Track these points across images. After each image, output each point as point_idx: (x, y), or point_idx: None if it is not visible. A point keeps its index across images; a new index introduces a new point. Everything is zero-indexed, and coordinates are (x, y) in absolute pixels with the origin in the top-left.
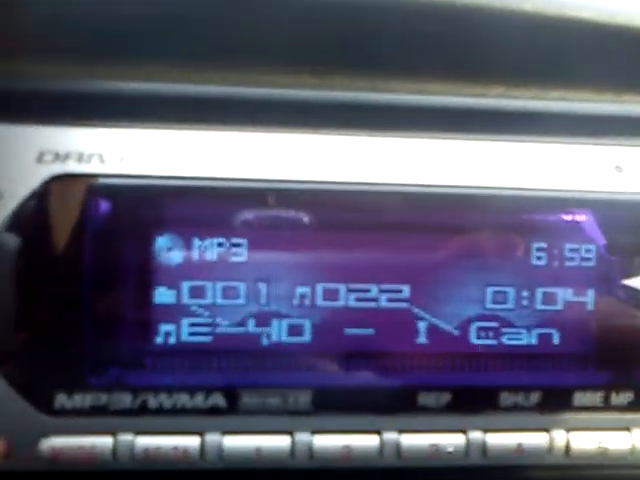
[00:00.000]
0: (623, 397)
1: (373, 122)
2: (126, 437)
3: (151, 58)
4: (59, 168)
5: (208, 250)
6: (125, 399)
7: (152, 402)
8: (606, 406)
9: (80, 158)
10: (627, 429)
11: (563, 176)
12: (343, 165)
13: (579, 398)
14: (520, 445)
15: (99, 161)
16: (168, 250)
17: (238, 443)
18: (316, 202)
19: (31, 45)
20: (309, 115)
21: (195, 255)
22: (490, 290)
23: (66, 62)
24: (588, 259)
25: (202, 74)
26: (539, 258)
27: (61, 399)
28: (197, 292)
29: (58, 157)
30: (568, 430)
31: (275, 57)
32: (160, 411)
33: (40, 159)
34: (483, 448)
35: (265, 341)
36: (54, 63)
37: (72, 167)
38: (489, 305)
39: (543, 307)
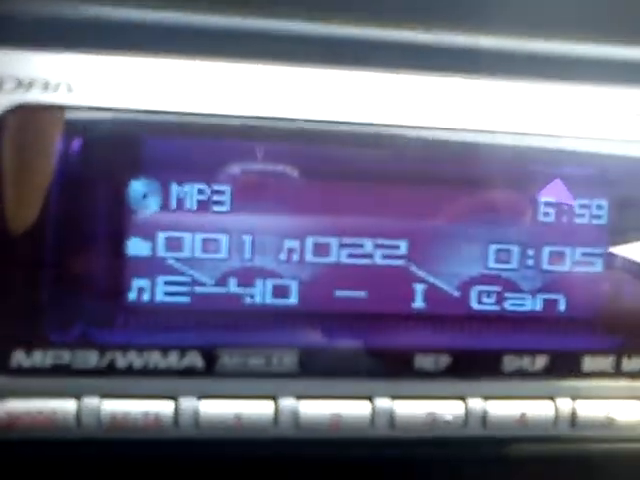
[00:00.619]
0: (635, 363)
1: (366, 57)
2: (91, 400)
3: None
4: (21, 97)
5: (187, 197)
6: (91, 358)
7: (121, 362)
8: (616, 372)
9: (46, 86)
10: (638, 397)
11: (575, 124)
12: (338, 106)
13: (588, 363)
14: (523, 414)
15: (67, 90)
16: (143, 196)
17: (216, 409)
18: (307, 146)
19: None
20: (299, 47)
21: (173, 203)
22: (494, 248)
23: None
24: (599, 216)
25: (193, 3)
26: (547, 214)
27: (18, 356)
28: (174, 244)
29: (20, 85)
30: (574, 398)
31: None
32: (129, 372)
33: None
34: (483, 417)
35: (248, 301)
36: None
37: (36, 96)
38: (492, 265)
39: (550, 267)
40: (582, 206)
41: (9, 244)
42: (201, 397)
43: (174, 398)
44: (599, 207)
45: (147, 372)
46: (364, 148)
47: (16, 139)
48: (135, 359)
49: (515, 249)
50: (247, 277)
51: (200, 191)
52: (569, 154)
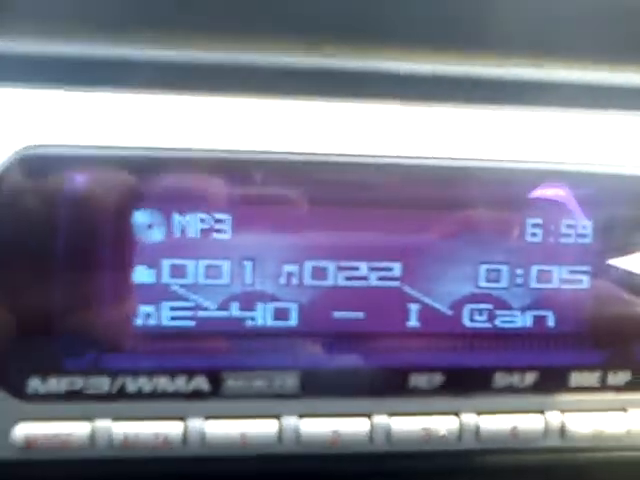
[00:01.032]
0: (620, 377)
1: (361, 90)
2: (104, 423)
3: (135, 22)
4: (30, 137)
5: (190, 226)
6: (103, 383)
7: (131, 386)
8: (602, 386)
9: (53, 126)
10: (623, 410)
11: (560, 149)
12: (332, 136)
13: (575, 378)
14: (515, 428)
15: (73, 129)
16: (147, 227)
17: (222, 429)
18: (304, 176)
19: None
20: (296, 82)
21: (176, 232)
22: (484, 268)
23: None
24: (584, 235)
25: (189, 39)
26: (534, 235)
27: (35, 383)
28: (178, 271)
29: (29, 125)
30: (563, 412)
31: (267, 27)
32: (139, 396)
33: (9, 127)
34: (477, 431)
35: (250, 324)
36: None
37: (44, 136)
38: (483, 284)
39: (538, 285)
40: (568, 226)
41: (26, 280)
42: (208, 418)
43: (182, 419)
44: (584, 227)
45: (156, 395)
46: (357, 177)
47: (26, 177)
48: (145, 383)
49: (504, 268)
50: (248, 301)
51: (202, 220)
52: (555, 177)
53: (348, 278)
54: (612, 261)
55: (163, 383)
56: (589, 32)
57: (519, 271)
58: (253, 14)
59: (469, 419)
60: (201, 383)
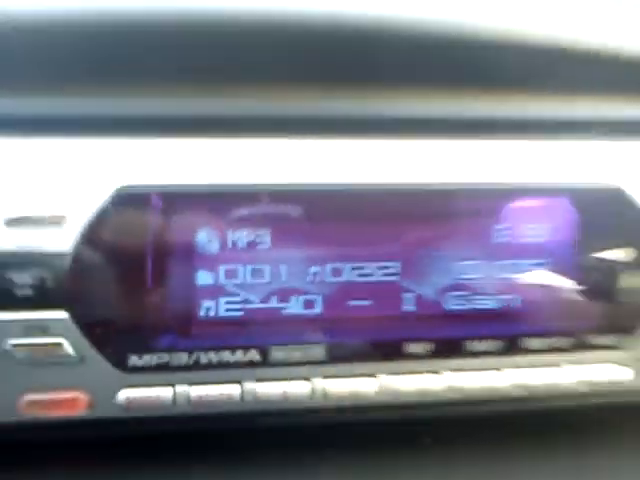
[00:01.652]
0: (562, 342)
1: (359, 130)
2: (183, 388)
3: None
4: (122, 180)
5: (239, 240)
6: (182, 358)
7: (203, 359)
8: (550, 349)
9: (140, 170)
10: (558, 365)
11: (519, 171)
12: (345, 169)
13: (528, 342)
14: (485, 382)
15: (154, 172)
16: (208, 241)
17: (269, 389)
18: (324, 200)
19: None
20: (312, 127)
21: (229, 244)
22: (462, 265)
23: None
24: (540, 236)
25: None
26: (499, 237)
27: (134, 359)
28: (231, 274)
29: (121, 170)
30: (518, 367)
31: (279, 74)
32: (208, 366)
33: (107, 171)
34: (456, 386)
35: (286, 312)
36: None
37: (134, 179)
38: (461, 276)
39: (503, 276)
40: (526, 229)
41: (131, 286)
42: (258, 380)
43: (239, 382)
44: (538, 230)
45: (220, 365)
46: (362, 201)
47: (122, 211)
48: (212, 357)
49: (477, 264)
50: (284, 295)
51: (248, 235)
52: (518, 193)
53: (359, 275)
54: (562, 257)
55: (226, 356)
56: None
57: (488, 265)
58: (265, 63)
59: (451, 377)
60: (254, 355)
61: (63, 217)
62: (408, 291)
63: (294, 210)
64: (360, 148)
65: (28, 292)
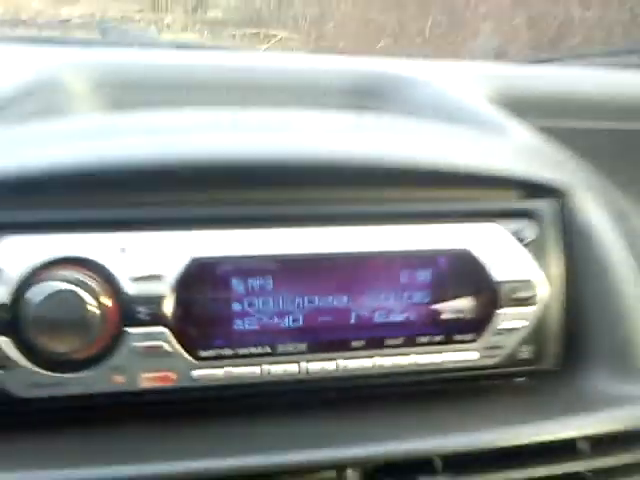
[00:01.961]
0: (438, 338)
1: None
2: (228, 368)
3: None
4: (197, 253)
5: (254, 284)
6: (227, 352)
7: (237, 352)
8: (433, 342)
9: (206, 248)
10: (439, 353)
11: (402, 242)
12: (302, 245)
13: (417, 339)
14: (396, 362)
15: (216, 248)
16: (239, 285)
17: (277, 369)
18: (297, 264)
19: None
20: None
21: (250, 287)
22: (384, 296)
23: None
24: (426, 278)
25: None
26: (404, 278)
27: (205, 352)
28: (252, 305)
29: (194, 246)
30: (414, 353)
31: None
32: (237, 356)
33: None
34: (381, 364)
35: (283, 326)
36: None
37: (205, 252)
38: (385, 303)
39: (409, 302)
40: (418, 275)
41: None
42: (271, 364)
43: (260, 365)
44: (424, 276)
45: (246, 356)
46: (318, 266)
47: (197, 275)
48: (241, 351)
49: (392, 294)
50: (281, 315)
51: (259, 280)
52: (414, 257)
53: (325, 303)
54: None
55: (254, 351)
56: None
57: (398, 296)
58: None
59: (382, 360)
60: (267, 349)
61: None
62: (354, 311)
63: (283, 268)
64: (308, 234)
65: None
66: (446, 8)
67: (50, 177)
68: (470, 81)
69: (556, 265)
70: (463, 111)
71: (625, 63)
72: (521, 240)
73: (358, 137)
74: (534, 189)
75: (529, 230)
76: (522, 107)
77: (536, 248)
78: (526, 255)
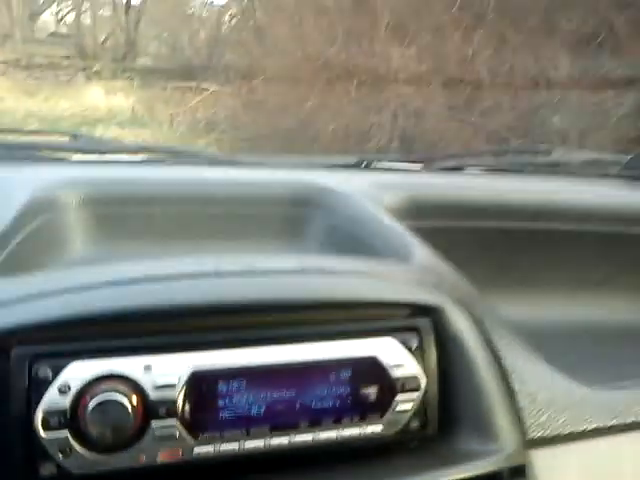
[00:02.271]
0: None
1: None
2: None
3: None
4: (195, 368)
5: (235, 386)
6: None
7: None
8: (360, 420)
9: (202, 364)
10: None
11: (335, 352)
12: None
13: (346, 419)
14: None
15: (208, 363)
16: (222, 387)
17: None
18: (265, 372)
19: None
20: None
21: (230, 388)
22: (319, 390)
23: None
24: (347, 376)
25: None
26: (332, 377)
27: (202, 435)
28: (232, 404)
29: (193, 363)
30: (344, 429)
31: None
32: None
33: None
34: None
35: (253, 413)
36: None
37: (201, 367)
38: (320, 395)
39: (335, 394)
40: (342, 375)
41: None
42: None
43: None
44: (346, 375)
45: (233, 437)
46: (278, 371)
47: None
48: (233, 431)
49: (326, 389)
50: (249, 408)
51: (235, 382)
52: (334, 365)
53: (280, 396)
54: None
55: (234, 432)
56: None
57: (330, 390)
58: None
59: (319, 435)
60: (243, 431)
61: None
62: (299, 400)
63: (252, 374)
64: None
65: None
66: (369, 72)
67: (99, 318)
68: (372, 191)
69: (433, 363)
70: (367, 229)
71: (510, 162)
72: (409, 348)
73: (291, 278)
74: (417, 309)
75: (414, 340)
76: (417, 212)
77: (419, 353)
78: (412, 358)
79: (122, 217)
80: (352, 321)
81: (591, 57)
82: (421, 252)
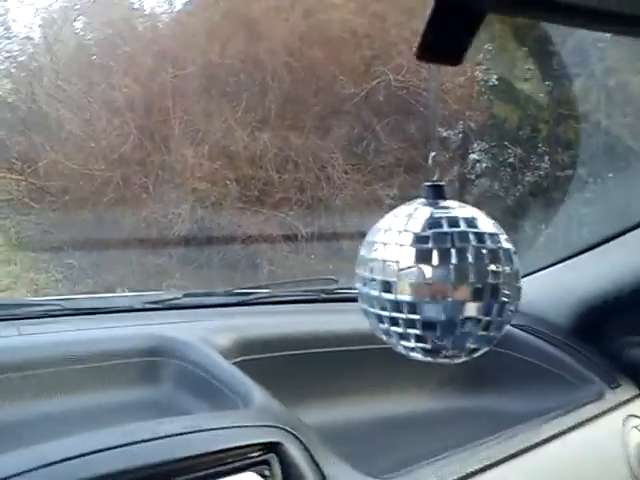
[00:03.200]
0: None
1: None
2: None
3: None
4: None
5: None
6: None
7: None
8: None
9: None
10: None
11: None
12: None
13: None
14: None
15: None
16: None
17: None
18: None
19: None
20: None
21: None
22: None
23: None
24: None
25: None
26: None
27: None
28: None
29: None
30: None
31: None
32: None
33: None
34: None
35: None
36: None
37: None
38: None
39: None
40: None
41: None
42: None
43: None
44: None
45: None
46: None
47: None
48: None
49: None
50: None
51: None
52: None
53: None
54: None
55: None
56: None
57: None
58: None
59: None
60: None
61: None
62: None
63: None
64: None
65: None
66: (166, 168)
67: None
68: (209, 337)
69: None
70: (212, 374)
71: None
72: (264, 477)
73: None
74: (265, 446)
75: (266, 470)
76: (245, 349)
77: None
78: None
79: None
80: (221, 464)
81: (361, 155)
82: (260, 395)
